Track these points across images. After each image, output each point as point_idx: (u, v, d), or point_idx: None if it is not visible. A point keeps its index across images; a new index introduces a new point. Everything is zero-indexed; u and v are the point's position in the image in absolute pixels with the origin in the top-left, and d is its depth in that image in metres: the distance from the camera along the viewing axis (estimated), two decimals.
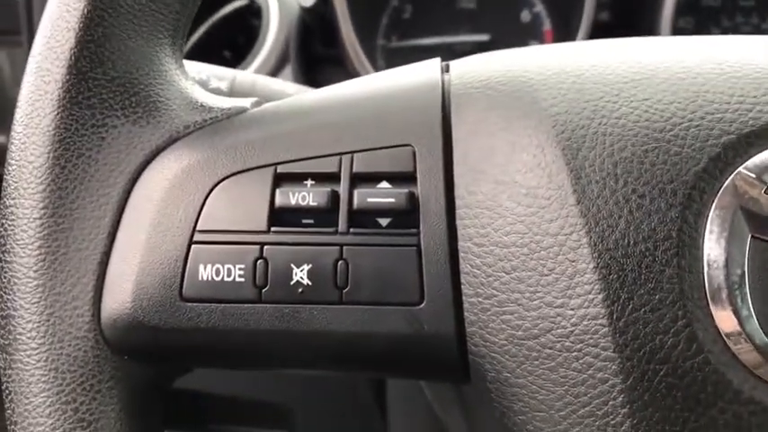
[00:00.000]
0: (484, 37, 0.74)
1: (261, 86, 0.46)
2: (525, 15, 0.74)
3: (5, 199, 0.29)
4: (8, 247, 0.28)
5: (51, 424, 0.27)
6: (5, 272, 0.28)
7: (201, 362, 0.29)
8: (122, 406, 0.28)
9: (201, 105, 0.31)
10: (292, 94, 0.46)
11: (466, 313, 0.27)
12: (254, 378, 0.70)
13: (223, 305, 0.28)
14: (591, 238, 0.25)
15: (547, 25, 0.74)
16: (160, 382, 0.30)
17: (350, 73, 0.67)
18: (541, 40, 0.74)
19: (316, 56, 0.70)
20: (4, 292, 0.28)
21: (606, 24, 0.70)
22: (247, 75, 0.46)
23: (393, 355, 0.28)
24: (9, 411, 0.28)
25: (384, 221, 0.28)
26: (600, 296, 0.24)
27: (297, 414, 0.70)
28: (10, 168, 0.29)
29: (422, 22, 0.75)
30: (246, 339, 0.28)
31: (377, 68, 0.72)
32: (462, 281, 0.27)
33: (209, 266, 0.28)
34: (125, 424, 0.28)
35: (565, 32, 0.73)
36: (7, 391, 0.28)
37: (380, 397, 0.64)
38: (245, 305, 0.27)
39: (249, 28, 0.77)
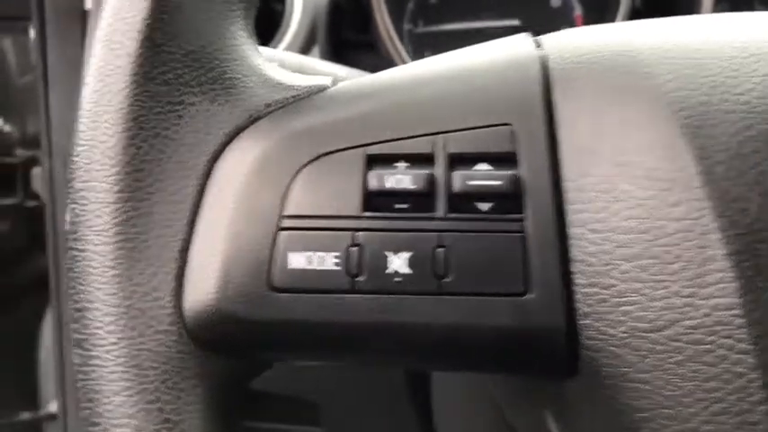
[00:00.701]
0: (514, 22, 0.72)
1: (308, 68, 0.44)
2: (555, 0, 0.73)
3: (75, 182, 0.27)
4: (80, 234, 0.26)
5: (136, 425, 0.25)
6: (78, 261, 0.26)
7: (289, 355, 0.28)
8: (206, 404, 0.26)
9: (279, 83, 0.29)
10: (344, 75, 0.44)
11: (578, 304, 0.25)
12: (281, 372, 0.68)
13: (315, 295, 0.26)
14: (720, 222, 0.23)
15: (578, 10, 0.72)
16: (242, 378, 0.28)
17: (382, 58, 0.65)
18: (572, 25, 0.72)
19: (344, 41, 0.68)
20: (78, 284, 0.26)
21: (641, 11, 0.68)
22: (293, 56, 0.44)
23: (495, 350, 0.26)
24: (87, 411, 0.26)
25: (484, 206, 0.26)
26: (733, 285, 0.23)
27: (325, 410, 0.69)
28: (79, 149, 0.27)
29: (449, 6, 0.73)
30: (339, 332, 0.26)
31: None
32: (573, 270, 0.25)
33: (299, 254, 0.26)
34: (210, 423, 0.26)
35: (596, 18, 0.72)
36: (84, 390, 0.26)
37: (416, 394, 0.62)
38: (339, 295, 0.26)
39: (270, 13, 0.75)
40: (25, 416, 1.04)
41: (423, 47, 0.71)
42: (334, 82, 0.30)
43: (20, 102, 1.04)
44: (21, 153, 1.04)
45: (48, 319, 1.08)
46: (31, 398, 1.08)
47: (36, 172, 1.04)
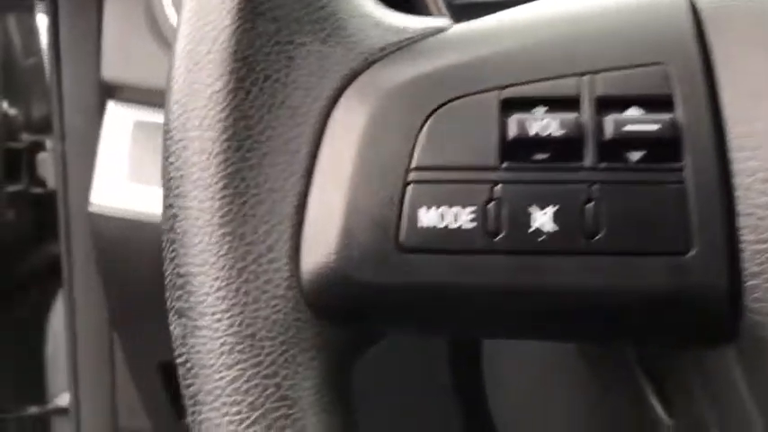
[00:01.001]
0: None
1: None
2: None
3: (173, 133, 0.24)
4: (182, 190, 0.23)
5: (251, 403, 0.22)
6: (180, 220, 0.23)
7: (415, 324, 0.25)
8: (323, 380, 0.23)
9: (392, 25, 0.26)
10: None
11: (745, 264, 0.22)
12: None
13: (449, 256, 0.23)
14: None
15: None
16: (355, 352, 0.25)
17: None
18: None
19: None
20: (181, 246, 0.23)
21: None
22: None
23: (647, 315, 0.23)
24: (192, 389, 0.23)
25: (636, 155, 0.23)
26: None
27: (361, 400, 0.65)
28: (175, 96, 0.24)
29: None
30: (476, 297, 0.23)
31: None
32: (741, 224, 0.22)
33: (431, 210, 0.23)
34: (327, 401, 0.23)
35: None
36: (188, 366, 0.23)
37: (462, 375, 0.59)
38: (476, 256, 0.23)
39: None
40: (33, 410, 1.00)
41: (461, 19, 0.69)
42: (450, 24, 0.27)
43: (24, 84, 1.00)
44: (26, 138, 1.00)
45: (56, 309, 1.05)
46: (37, 391, 1.05)
47: (42, 157, 1.00)
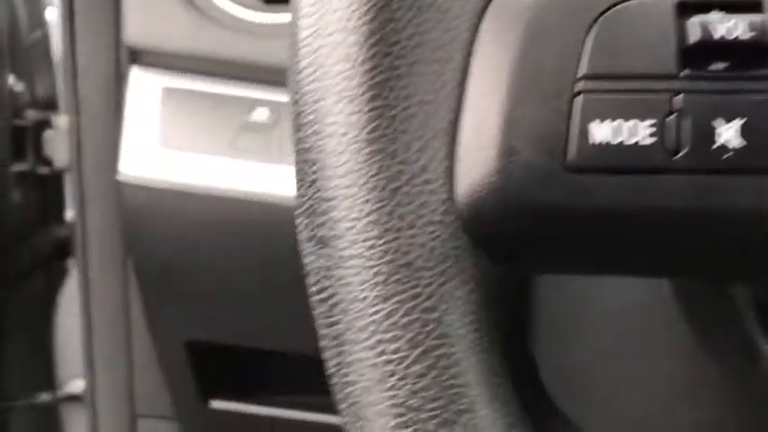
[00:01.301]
0: None
1: None
2: None
3: (308, 39, 0.21)
4: (323, 104, 0.21)
5: (410, 339, 0.20)
6: (323, 137, 0.20)
7: (581, 255, 0.22)
8: (482, 317, 0.21)
9: None
10: None
11: None
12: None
13: (624, 176, 0.20)
14: None
15: None
16: (510, 287, 0.23)
17: None
18: None
19: None
20: (323, 167, 0.20)
21: None
22: None
23: None
24: (339, 327, 0.20)
25: None
26: None
27: None
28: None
29: None
30: (652, 223, 0.21)
31: None
32: None
33: (604, 124, 0.20)
34: (488, 340, 0.21)
35: None
36: (334, 301, 0.20)
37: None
38: (654, 176, 0.20)
39: None
40: (44, 397, 0.97)
41: None
42: None
43: (29, 59, 0.96)
44: (31, 115, 0.96)
45: (64, 293, 1.01)
46: (46, 378, 1.01)
47: (48, 135, 0.96)
